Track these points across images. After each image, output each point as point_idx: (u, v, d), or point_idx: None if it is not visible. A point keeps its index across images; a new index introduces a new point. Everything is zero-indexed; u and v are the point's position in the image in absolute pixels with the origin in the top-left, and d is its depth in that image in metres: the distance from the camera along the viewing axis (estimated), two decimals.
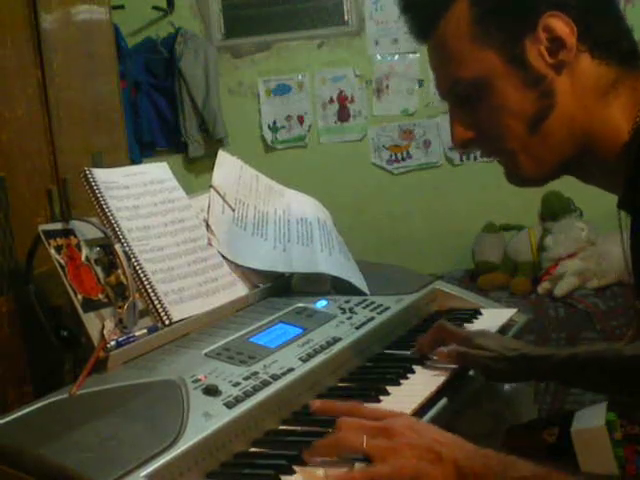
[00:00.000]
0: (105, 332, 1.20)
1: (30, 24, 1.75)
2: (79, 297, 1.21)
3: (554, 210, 3.33)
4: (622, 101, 0.97)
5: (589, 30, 0.95)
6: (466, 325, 1.52)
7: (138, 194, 1.45)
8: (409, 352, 1.36)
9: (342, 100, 3.94)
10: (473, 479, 0.90)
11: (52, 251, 1.23)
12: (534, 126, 0.98)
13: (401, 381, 1.25)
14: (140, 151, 3.75)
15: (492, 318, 1.57)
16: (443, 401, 1.19)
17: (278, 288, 1.58)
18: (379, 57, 3.87)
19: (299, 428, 1.10)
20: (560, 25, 0.94)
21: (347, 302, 1.50)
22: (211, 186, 1.62)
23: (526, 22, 0.95)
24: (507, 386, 1.55)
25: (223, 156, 1.70)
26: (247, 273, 1.53)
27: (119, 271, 1.25)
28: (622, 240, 0.99)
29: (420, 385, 1.23)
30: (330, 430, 1.03)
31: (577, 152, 1.00)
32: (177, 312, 1.33)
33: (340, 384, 1.27)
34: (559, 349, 1.26)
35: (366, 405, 1.07)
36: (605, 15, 0.97)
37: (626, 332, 2.80)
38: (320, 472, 0.95)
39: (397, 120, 3.93)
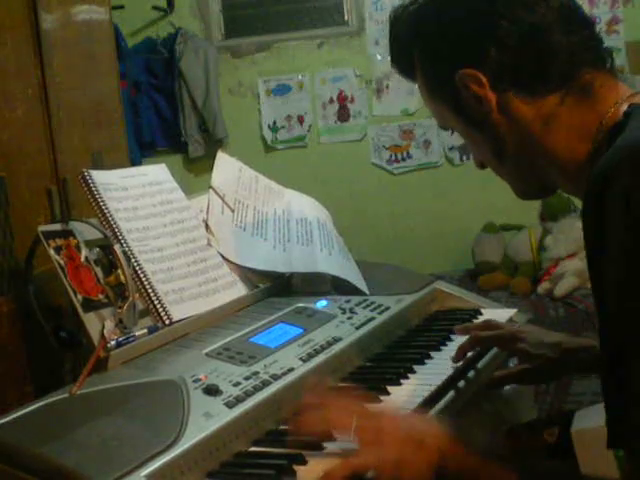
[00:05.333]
0: (105, 332, 1.20)
1: (30, 24, 1.75)
2: (79, 297, 1.21)
3: (554, 210, 3.33)
4: (566, 123, 0.96)
5: (506, 74, 0.96)
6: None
7: (137, 195, 1.45)
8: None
9: (342, 100, 3.94)
10: (454, 464, 0.93)
11: (51, 252, 1.23)
12: (500, 158, 1.03)
13: (401, 381, 1.25)
14: (140, 151, 3.75)
15: (492, 318, 1.57)
16: (443, 401, 1.19)
17: (278, 288, 1.58)
18: (379, 57, 3.87)
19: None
20: (469, 80, 0.97)
21: (347, 302, 1.50)
22: (210, 187, 1.62)
23: (448, 81, 0.99)
24: (507, 386, 1.54)
25: (222, 157, 1.70)
26: (247, 273, 1.53)
27: (119, 271, 1.25)
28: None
29: (420, 385, 1.23)
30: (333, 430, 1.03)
31: (547, 174, 1.01)
32: (177, 312, 1.33)
33: (340, 384, 1.26)
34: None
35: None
36: (523, 49, 0.95)
37: None
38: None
39: (397, 120, 3.93)
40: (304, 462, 0.98)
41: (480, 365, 1.36)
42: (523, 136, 0.98)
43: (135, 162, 3.31)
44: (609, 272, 0.81)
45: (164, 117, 3.88)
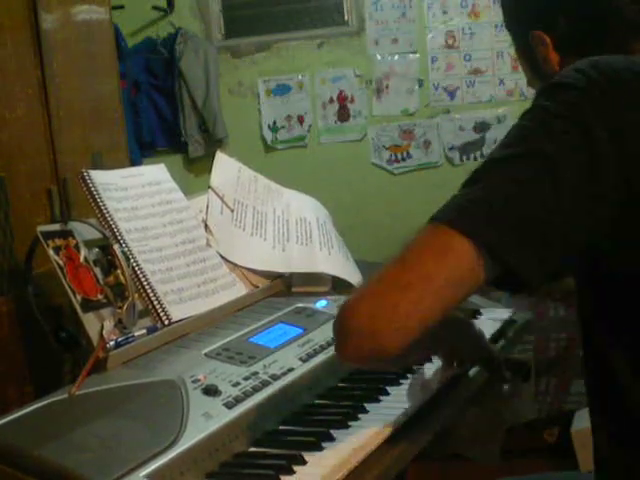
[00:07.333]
0: (104, 332, 1.20)
1: (30, 24, 1.75)
2: (78, 297, 1.21)
3: None
4: None
5: (569, 40, 1.11)
6: None
7: (136, 195, 1.45)
8: None
9: (342, 100, 3.94)
10: None
11: (51, 252, 1.23)
12: None
13: (401, 381, 1.25)
14: (140, 151, 3.75)
15: (492, 318, 1.57)
16: (443, 401, 1.19)
17: (278, 288, 1.58)
18: (379, 57, 3.87)
19: (299, 428, 1.10)
20: (537, 39, 1.14)
21: None
22: (209, 187, 1.62)
23: (525, 36, 1.17)
24: (507, 386, 1.54)
25: (221, 157, 1.70)
26: (246, 273, 1.53)
27: (118, 272, 1.25)
28: None
29: (420, 385, 1.23)
30: (332, 430, 1.03)
31: None
32: (176, 312, 1.33)
33: (340, 384, 1.26)
34: None
35: None
36: (588, 22, 1.10)
37: None
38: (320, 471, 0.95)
39: (397, 120, 3.93)
40: (304, 462, 0.98)
41: None
42: None
43: (135, 162, 3.31)
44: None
45: (164, 117, 3.88)
